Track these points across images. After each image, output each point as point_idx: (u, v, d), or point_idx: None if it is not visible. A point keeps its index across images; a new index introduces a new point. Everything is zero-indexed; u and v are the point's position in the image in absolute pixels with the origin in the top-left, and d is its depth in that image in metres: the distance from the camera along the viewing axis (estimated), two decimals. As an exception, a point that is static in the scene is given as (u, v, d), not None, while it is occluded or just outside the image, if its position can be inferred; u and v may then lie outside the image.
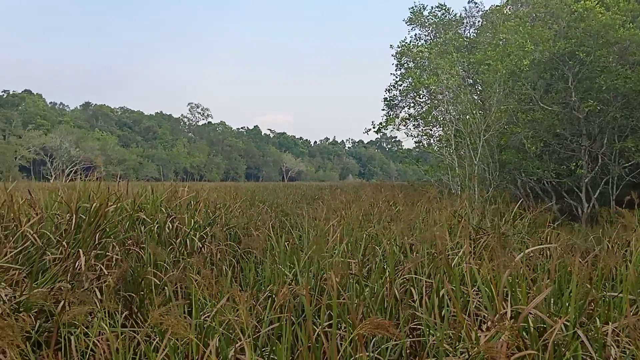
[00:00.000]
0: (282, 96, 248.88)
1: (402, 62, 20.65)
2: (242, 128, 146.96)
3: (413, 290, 3.27)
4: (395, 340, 2.59)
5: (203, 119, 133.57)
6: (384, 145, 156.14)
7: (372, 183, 32.17)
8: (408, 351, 2.88)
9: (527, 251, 3.47)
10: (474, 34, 19.55)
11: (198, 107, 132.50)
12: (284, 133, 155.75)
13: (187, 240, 6.33)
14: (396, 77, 21.43)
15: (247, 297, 3.22)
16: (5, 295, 3.21)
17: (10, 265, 3.90)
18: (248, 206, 11.44)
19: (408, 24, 21.07)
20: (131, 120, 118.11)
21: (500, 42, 13.36)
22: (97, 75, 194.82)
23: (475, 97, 15.33)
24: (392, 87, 21.68)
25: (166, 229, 6.56)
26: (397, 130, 19.32)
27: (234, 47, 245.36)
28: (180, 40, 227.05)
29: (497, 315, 2.35)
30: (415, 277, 3.42)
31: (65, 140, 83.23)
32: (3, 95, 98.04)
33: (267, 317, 2.92)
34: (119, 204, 6.00)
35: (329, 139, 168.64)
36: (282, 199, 15.46)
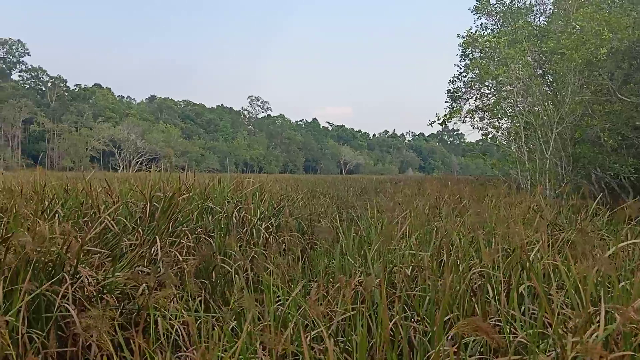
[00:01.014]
0: (341, 89, 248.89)
1: (467, 52, 20.07)
2: (300, 121, 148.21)
3: (489, 286, 3.17)
4: (477, 337, 2.52)
5: (263, 112, 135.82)
6: (446, 138, 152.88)
7: (433, 177, 31.60)
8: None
9: (620, 245, 3.27)
10: (545, 22, 18.68)
11: (258, 100, 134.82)
12: (343, 126, 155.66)
13: (254, 230, 6.45)
14: (460, 68, 20.88)
15: (318, 287, 3.24)
16: (92, 277, 3.39)
17: (96, 249, 4.10)
18: (310, 198, 11.54)
19: (474, 12, 20.41)
20: (193, 113, 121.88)
21: (575, 30, 12.66)
22: (161, 69, 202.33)
23: (545, 88, 14.65)
24: (455, 79, 21.14)
25: (233, 218, 6.71)
26: (462, 122, 18.80)
27: (295, 40, 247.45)
28: (242, 34, 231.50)
29: (586, 315, 2.23)
30: (490, 273, 3.31)
31: (132, 132, 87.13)
32: (75, 89, 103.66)
33: (340, 307, 2.92)
34: (191, 193, 6.19)
35: (388, 131, 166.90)
36: (342, 192, 15.48)
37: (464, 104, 20.69)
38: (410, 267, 3.51)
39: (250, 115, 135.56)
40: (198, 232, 6.02)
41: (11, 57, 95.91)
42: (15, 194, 5.88)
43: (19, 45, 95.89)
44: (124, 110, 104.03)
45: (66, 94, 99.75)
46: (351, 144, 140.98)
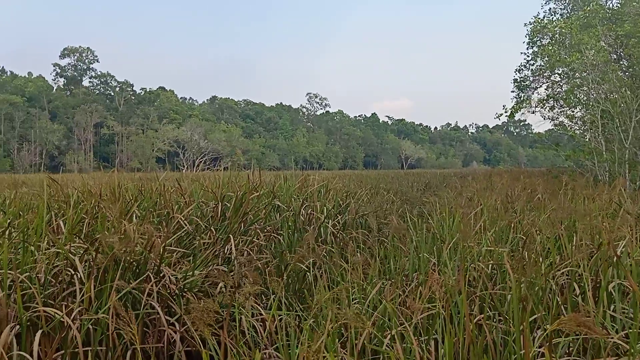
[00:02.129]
0: (400, 82, 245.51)
1: (535, 39, 19.23)
2: (359, 116, 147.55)
3: (575, 284, 3.02)
4: (575, 336, 2.40)
5: (321, 109, 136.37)
6: (512, 129, 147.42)
7: (501, 170, 30.54)
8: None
9: None
10: (618, 5, 17.57)
11: (316, 97, 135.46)
12: (403, 119, 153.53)
13: (322, 227, 6.47)
14: (528, 56, 20.04)
15: (394, 285, 3.20)
16: (174, 276, 3.52)
17: (175, 248, 4.25)
18: (374, 194, 11.45)
19: (542, -2, 19.55)
20: (253, 112, 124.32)
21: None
22: (222, 70, 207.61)
23: (621, 74, 13.76)
24: (522, 67, 20.32)
25: (300, 216, 6.77)
26: (532, 113, 18.03)
27: (353, 35, 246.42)
28: (299, 32, 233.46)
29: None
30: (576, 270, 3.15)
31: (195, 133, 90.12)
32: (141, 92, 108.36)
33: (418, 305, 2.87)
34: (261, 192, 6.29)
35: (450, 124, 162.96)
36: (406, 187, 15.27)
37: (532, 93, 19.87)
38: (490, 265, 3.41)
39: (309, 112, 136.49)
40: (267, 230, 6.12)
41: (82, 64, 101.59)
42: (95, 196, 6.22)
43: (89, 52, 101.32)
44: (187, 112, 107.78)
45: (133, 97, 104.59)
46: (412, 138, 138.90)
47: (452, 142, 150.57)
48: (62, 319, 2.82)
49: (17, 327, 2.84)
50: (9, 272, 3.04)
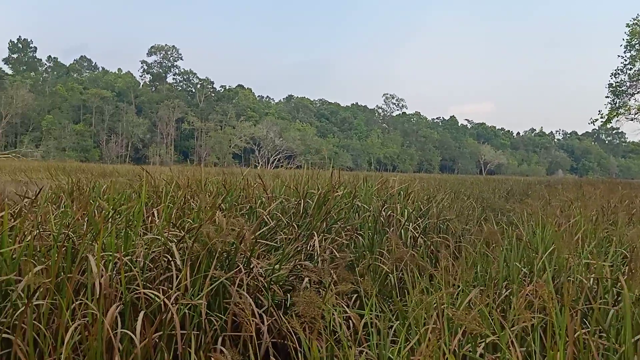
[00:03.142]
0: (482, 85, 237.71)
1: (634, 42, 17.93)
2: (437, 118, 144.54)
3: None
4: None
5: (397, 110, 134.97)
6: (603, 137, 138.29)
7: (590, 179, 28.78)
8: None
9: None
10: None
11: (393, 98, 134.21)
12: (483, 123, 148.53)
13: (402, 230, 6.39)
14: (625, 60, 18.72)
15: (486, 293, 3.10)
16: (262, 269, 3.62)
17: (261, 241, 4.36)
18: (454, 199, 11.16)
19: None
20: (328, 112, 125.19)
21: None
22: (298, 70, 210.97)
23: None
24: (619, 71, 19.03)
25: (380, 218, 6.72)
26: (632, 120, 16.85)
27: (433, 36, 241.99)
28: (378, 32, 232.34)
29: None
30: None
31: (271, 131, 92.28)
32: (220, 90, 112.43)
33: (513, 316, 2.76)
34: (343, 191, 6.33)
35: (534, 129, 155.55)
36: (486, 193, 14.74)
37: (629, 99, 18.56)
38: (591, 279, 3.21)
39: (385, 113, 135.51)
40: (347, 229, 6.14)
41: (166, 62, 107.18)
42: (184, 188, 6.53)
43: (173, 50, 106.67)
44: (264, 110, 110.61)
45: (213, 94, 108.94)
46: (492, 143, 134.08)
47: (536, 149, 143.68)
48: (161, 302, 2.98)
49: (121, 306, 3.03)
50: (116, 254, 3.26)
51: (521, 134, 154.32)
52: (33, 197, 4.39)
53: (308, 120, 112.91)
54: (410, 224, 6.62)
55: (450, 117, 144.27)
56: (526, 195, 13.58)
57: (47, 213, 4.21)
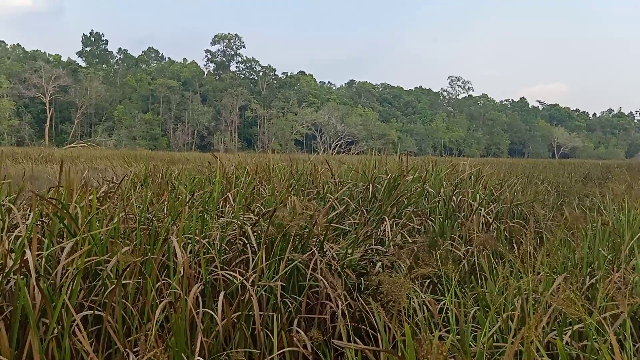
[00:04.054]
0: (555, 65, 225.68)
1: None
2: (505, 100, 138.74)
3: None
4: None
5: (463, 92, 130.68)
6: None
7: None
8: None
9: None
10: None
11: (458, 80, 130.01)
12: (556, 105, 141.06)
13: (474, 215, 6.22)
14: None
15: (570, 280, 2.96)
16: (337, 253, 3.64)
17: (332, 225, 4.38)
18: (527, 183, 10.74)
19: None
20: (391, 96, 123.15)
21: None
22: (361, 54, 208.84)
23: None
24: None
25: (451, 203, 6.57)
26: None
27: (502, 16, 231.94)
28: (442, 14, 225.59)
29: None
30: None
31: (332, 117, 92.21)
32: (282, 77, 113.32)
33: (600, 303, 2.62)
34: (413, 176, 6.24)
35: (612, 110, 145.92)
36: (561, 177, 14.06)
37: None
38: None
39: (450, 96, 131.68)
40: (418, 214, 6.06)
41: (230, 50, 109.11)
42: (252, 174, 6.68)
43: (236, 39, 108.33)
44: (325, 96, 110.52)
45: (275, 82, 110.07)
46: (566, 125, 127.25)
47: (614, 130, 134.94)
48: (240, 284, 3.07)
49: (201, 287, 3.15)
50: (195, 237, 3.39)
51: (598, 115, 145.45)
52: (118, 183, 4.63)
53: (370, 105, 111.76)
54: (483, 209, 6.44)
55: (520, 98, 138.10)
56: (605, 179, 12.83)
57: (129, 197, 4.44)
